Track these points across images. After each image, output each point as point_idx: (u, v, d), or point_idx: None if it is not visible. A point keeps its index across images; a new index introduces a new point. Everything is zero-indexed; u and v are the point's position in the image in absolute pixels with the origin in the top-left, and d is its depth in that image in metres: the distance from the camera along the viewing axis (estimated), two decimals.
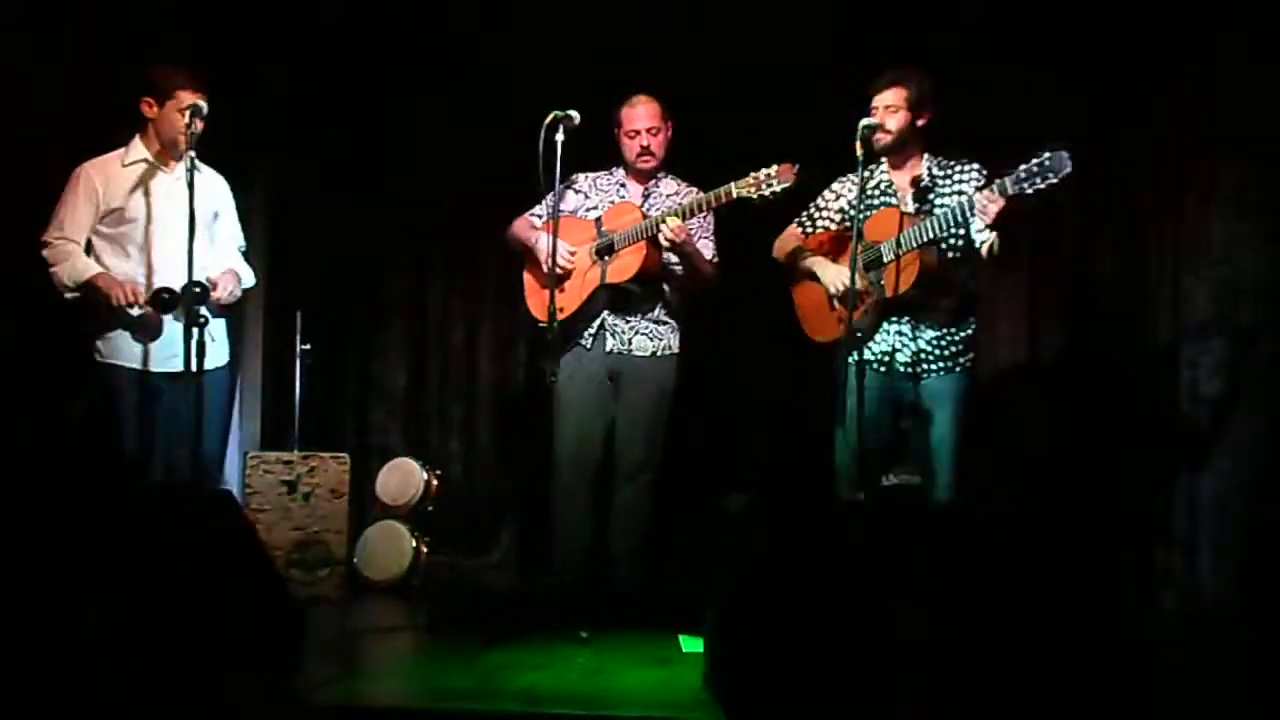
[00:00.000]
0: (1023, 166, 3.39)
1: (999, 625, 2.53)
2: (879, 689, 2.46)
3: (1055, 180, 3.34)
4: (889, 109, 3.72)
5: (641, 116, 4.07)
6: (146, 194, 3.83)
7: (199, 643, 2.62)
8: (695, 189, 4.05)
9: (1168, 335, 4.44)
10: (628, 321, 4.09)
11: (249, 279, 4.13)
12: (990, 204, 3.44)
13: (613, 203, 4.13)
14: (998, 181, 3.45)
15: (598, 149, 4.13)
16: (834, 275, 3.81)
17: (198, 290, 3.68)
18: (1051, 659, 2.51)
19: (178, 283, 3.68)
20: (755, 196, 3.73)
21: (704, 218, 4.06)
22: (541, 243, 4.06)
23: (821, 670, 2.49)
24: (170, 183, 3.87)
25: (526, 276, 4.22)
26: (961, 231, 3.67)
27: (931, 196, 3.75)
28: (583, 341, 4.09)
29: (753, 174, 3.74)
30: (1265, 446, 4.18)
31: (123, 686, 2.55)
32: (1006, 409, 4.57)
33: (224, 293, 3.86)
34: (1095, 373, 4.56)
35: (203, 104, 3.72)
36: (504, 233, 4.28)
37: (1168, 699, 2.93)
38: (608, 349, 4.07)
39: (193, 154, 3.64)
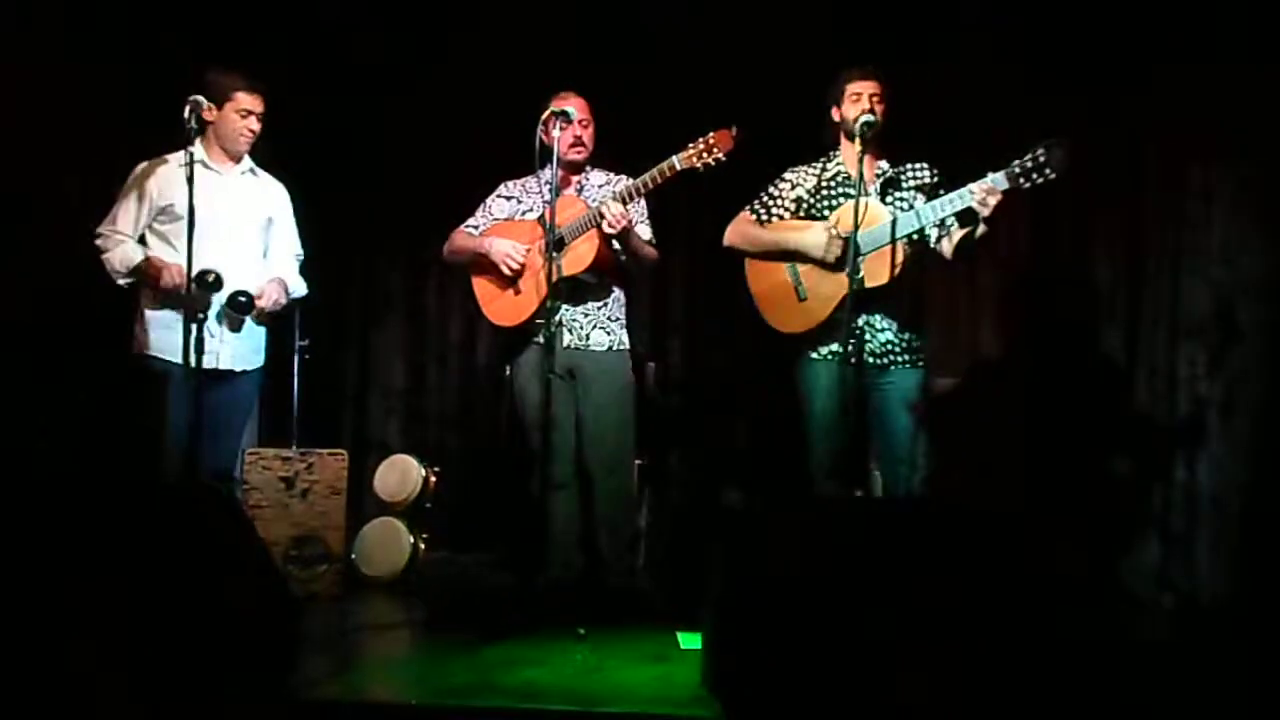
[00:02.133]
0: (1017, 161, 3.40)
1: (996, 623, 2.53)
2: (878, 685, 2.46)
3: (1053, 176, 3.34)
4: (875, 97, 3.73)
5: (573, 110, 4.00)
6: (198, 193, 3.81)
7: (196, 639, 2.62)
8: (624, 177, 4.03)
9: (1166, 334, 4.44)
10: (586, 315, 4.08)
11: (298, 288, 4.19)
12: (990, 196, 3.43)
13: (546, 202, 4.04)
14: (993, 175, 3.45)
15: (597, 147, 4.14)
16: (817, 239, 3.71)
17: (242, 300, 3.85)
18: (1048, 657, 2.51)
19: (227, 279, 3.80)
20: (699, 166, 3.69)
21: (637, 203, 4.00)
22: (497, 246, 4.04)
23: (821, 666, 2.49)
24: (222, 183, 3.97)
25: (478, 286, 4.16)
26: (930, 227, 3.67)
27: (894, 190, 3.78)
28: (539, 339, 4.00)
29: (690, 145, 3.70)
30: (1262, 445, 4.18)
31: (120, 682, 2.55)
32: (1003, 408, 4.57)
33: (268, 302, 3.97)
34: (1094, 371, 4.56)
35: (259, 106, 3.91)
36: (440, 250, 4.22)
37: (1164, 698, 2.93)
38: (564, 344, 4.03)
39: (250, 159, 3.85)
